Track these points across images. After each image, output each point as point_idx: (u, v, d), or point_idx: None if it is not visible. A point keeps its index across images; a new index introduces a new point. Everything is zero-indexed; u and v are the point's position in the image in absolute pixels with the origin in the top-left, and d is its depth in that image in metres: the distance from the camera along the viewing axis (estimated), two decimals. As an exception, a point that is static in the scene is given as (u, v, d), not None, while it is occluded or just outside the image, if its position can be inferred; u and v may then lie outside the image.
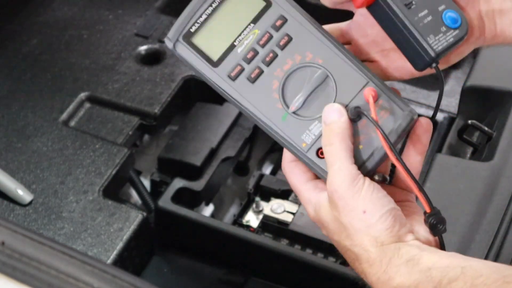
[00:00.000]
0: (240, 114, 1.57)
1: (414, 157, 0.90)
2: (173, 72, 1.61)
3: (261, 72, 0.89)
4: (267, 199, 1.49)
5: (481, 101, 1.41)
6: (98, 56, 1.64)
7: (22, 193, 1.39)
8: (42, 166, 1.44)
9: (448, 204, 1.21)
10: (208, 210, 1.51)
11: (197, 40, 0.90)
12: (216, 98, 1.61)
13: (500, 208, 1.19)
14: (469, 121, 1.35)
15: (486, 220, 1.18)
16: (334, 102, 0.88)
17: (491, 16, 0.92)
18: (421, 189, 0.86)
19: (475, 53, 1.44)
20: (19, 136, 1.49)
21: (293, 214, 1.45)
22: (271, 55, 0.89)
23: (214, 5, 0.90)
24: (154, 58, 1.65)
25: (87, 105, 1.56)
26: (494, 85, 1.41)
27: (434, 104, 1.57)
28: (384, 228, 0.84)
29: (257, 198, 1.49)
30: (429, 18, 0.89)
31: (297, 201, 1.47)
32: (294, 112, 0.89)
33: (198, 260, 1.45)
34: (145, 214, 1.39)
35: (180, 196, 1.45)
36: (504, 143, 1.30)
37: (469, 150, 1.39)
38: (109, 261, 1.32)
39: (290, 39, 0.90)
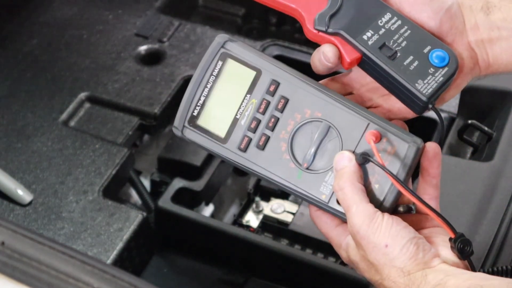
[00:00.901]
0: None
1: (429, 182, 0.92)
2: (173, 72, 1.61)
3: (268, 138, 0.93)
4: (267, 199, 1.49)
5: (481, 101, 1.41)
6: (98, 56, 1.64)
7: (22, 193, 1.39)
8: (42, 166, 1.44)
9: (448, 204, 1.21)
10: (208, 210, 1.51)
11: (201, 122, 0.94)
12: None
13: (500, 208, 1.19)
14: (469, 121, 1.35)
15: (486, 220, 1.18)
16: (341, 150, 0.91)
17: (481, 46, 0.93)
18: (441, 217, 0.88)
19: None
20: (19, 136, 1.49)
21: (293, 214, 1.45)
22: (273, 119, 0.93)
23: (209, 86, 0.94)
24: (154, 58, 1.65)
25: (87, 105, 1.56)
26: (494, 85, 1.41)
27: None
28: (407, 258, 0.86)
29: (257, 198, 1.49)
30: (415, 63, 0.91)
31: (297, 201, 1.47)
32: (307, 168, 0.92)
33: (198, 260, 1.45)
34: (145, 214, 1.39)
35: (180, 196, 1.45)
36: (504, 143, 1.30)
37: (469, 150, 1.39)
38: (109, 261, 1.32)
39: (286, 100, 0.93)
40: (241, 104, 0.93)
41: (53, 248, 0.89)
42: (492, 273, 0.98)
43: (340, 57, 0.91)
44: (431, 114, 1.55)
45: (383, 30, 0.91)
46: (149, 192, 1.51)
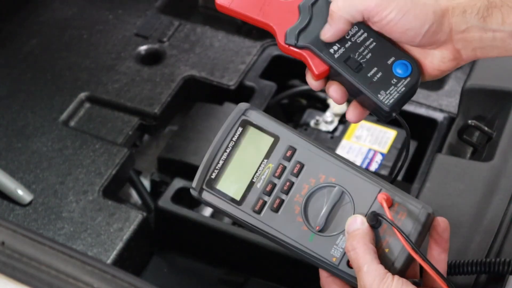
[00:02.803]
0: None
1: (438, 256, 0.93)
2: (173, 72, 1.61)
3: (282, 201, 0.95)
4: (267, 199, 1.49)
5: (481, 101, 1.41)
6: (98, 56, 1.64)
7: (22, 193, 1.39)
8: (42, 166, 1.44)
9: (448, 204, 1.21)
10: (208, 210, 1.51)
11: (219, 184, 0.97)
12: (216, 98, 1.61)
13: (500, 208, 1.19)
14: (469, 121, 1.35)
15: (486, 220, 1.18)
16: (353, 214, 0.93)
17: (468, 47, 0.92)
18: (450, 284, 0.89)
19: (475, 53, 1.44)
20: (19, 136, 1.49)
21: (293, 214, 1.45)
22: (288, 183, 0.95)
23: (228, 150, 0.97)
24: (154, 58, 1.65)
25: (87, 105, 1.56)
26: (494, 85, 1.40)
27: (434, 104, 1.57)
28: None
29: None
30: (379, 74, 0.94)
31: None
32: (319, 231, 0.94)
33: (198, 260, 1.45)
34: (145, 214, 1.39)
35: (180, 196, 1.45)
36: (504, 143, 1.29)
37: (469, 150, 1.39)
38: (109, 261, 1.32)
39: (302, 166, 0.96)
40: (258, 168, 0.96)
41: (53, 248, 0.89)
42: (461, 265, 1.00)
43: (309, 69, 0.95)
44: (431, 114, 1.56)
45: (349, 43, 0.95)
46: (149, 192, 1.51)
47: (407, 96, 0.94)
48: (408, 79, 0.94)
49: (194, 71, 1.61)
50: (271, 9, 0.97)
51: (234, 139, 0.97)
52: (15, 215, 1.37)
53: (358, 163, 1.49)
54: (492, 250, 1.12)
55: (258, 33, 1.83)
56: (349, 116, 0.97)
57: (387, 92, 0.94)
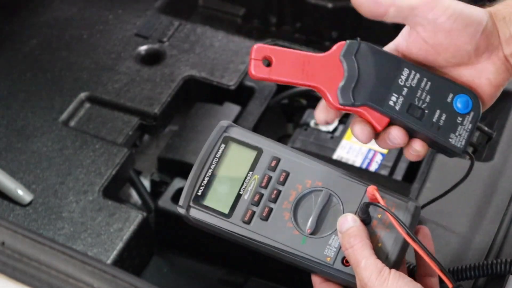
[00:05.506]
0: (240, 114, 1.57)
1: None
2: (173, 72, 1.61)
3: (271, 209, 0.97)
4: (267, 199, 1.49)
5: (481, 101, 1.41)
6: (98, 56, 1.64)
7: (22, 193, 1.39)
8: (42, 166, 1.44)
9: (448, 204, 1.21)
10: (208, 210, 1.51)
11: (206, 200, 0.99)
12: (216, 98, 1.61)
13: (500, 208, 1.19)
14: (469, 121, 1.35)
15: (486, 220, 1.18)
16: (343, 213, 0.95)
17: None
18: (440, 266, 0.91)
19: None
20: (19, 136, 1.49)
21: (293, 214, 1.45)
22: (275, 192, 0.97)
23: (212, 167, 0.99)
24: (154, 58, 1.65)
25: (87, 105, 1.56)
26: (494, 85, 1.40)
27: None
28: None
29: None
30: (444, 116, 0.93)
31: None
32: (311, 234, 0.96)
33: (198, 260, 1.45)
34: (145, 214, 1.39)
35: (180, 196, 1.45)
36: (504, 143, 1.30)
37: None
38: (109, 261, 1.31)
39: (287, 174, 0.98)
40: (244, 180, 0.98)
41: (53, 248, 0.89)
42: (461, 271, 1.02)
43: (370, 124, 0.93)
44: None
45: (405, 90, 0.93)
46: (149, 192, 1.51)
47: (474, 131, 0.94)
48: (472, 113, 0.93)
49: (194, 71, 1.61)
50: (313, 68, 0.93)
51: (217, 155, 0.99)
52: (15, 215, 1.37)
53: (358, 163, 1.49)
54: (492, 251, 1.12)
55: (258, 33, 1.83)
56: (409, 156, 0.95)
57: (457, 134, 0.93)
